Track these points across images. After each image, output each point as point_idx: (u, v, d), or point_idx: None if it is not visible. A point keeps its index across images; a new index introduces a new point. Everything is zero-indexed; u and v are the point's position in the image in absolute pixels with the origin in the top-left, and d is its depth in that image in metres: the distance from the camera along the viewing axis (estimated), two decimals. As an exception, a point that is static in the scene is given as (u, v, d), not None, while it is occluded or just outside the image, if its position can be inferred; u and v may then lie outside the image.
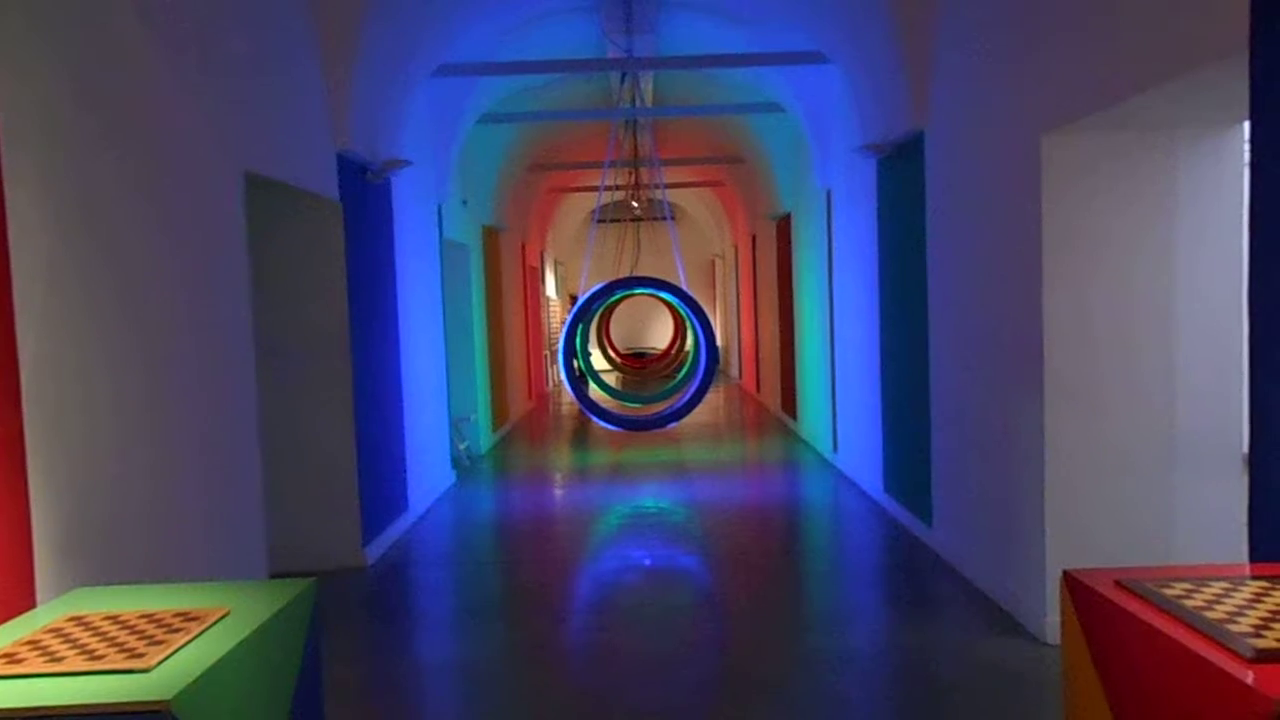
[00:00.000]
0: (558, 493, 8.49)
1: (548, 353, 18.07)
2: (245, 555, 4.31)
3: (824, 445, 9.51)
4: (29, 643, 2.16)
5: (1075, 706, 2.27)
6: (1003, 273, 4.60)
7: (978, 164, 4.97)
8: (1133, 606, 2.02)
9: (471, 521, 7.34)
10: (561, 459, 10.43)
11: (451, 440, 8.99)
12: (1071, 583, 2.26)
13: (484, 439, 10.61)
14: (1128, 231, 4.08)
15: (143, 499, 3.37)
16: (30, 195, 2.77)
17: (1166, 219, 4.06)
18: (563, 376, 8.46)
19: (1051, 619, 4.09)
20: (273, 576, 4.65)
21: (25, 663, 2.03)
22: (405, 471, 6.99)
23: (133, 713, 1.83)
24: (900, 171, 6.40)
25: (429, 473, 7.79)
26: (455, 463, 9.17)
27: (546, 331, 17.96)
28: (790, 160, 10.81)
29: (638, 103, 9.68)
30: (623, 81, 9.27)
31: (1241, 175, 3.94)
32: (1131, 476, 4.10)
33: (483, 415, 10.60)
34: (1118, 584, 2.16)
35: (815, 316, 9.73)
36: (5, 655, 2.08)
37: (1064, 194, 4.09)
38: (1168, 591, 2.06)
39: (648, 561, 5.89)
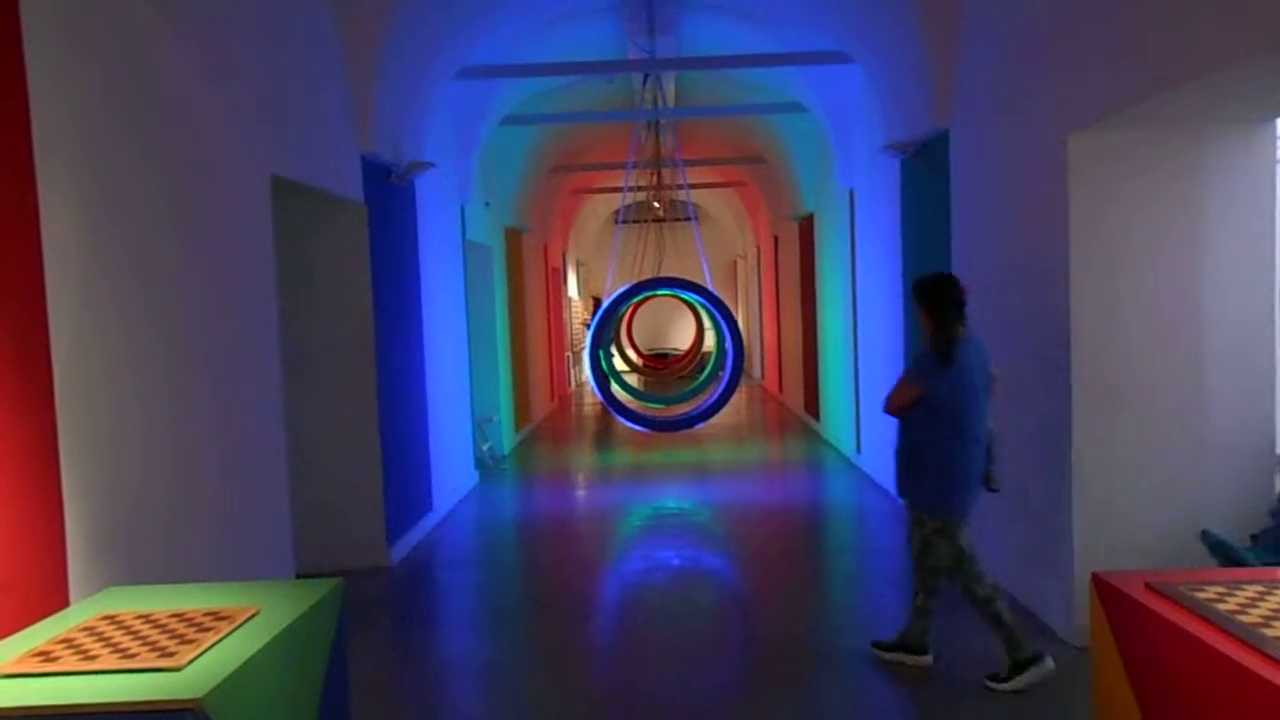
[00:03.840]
0: (580, 493, 8.50)
1: (570, 354, 18.11)
2: (271, 555, 4.35)
3: (847, 446, 9.46)
4: (63, 641, 2.20)
5: (1105, 710, 2.24)
6: (1029, 272, 4.56)
7: (1004, 163, 4.92)
8: (1164, 610, 2.00)
9: (495, 521, 7.36)
10: (584, 459, 10.44)
11: (475, 441, 9.02)
12: (1101, 585, 2.24)
13: (507, 440, 10.65)
14: (1156, 230, 4.03)
15: (170, 500, 3.41)
16: (63, 200, 2.82)
17: (1196, 217, 4.01)
18: (589, 378, 8.45)
19: (1080, 622, 4.05)
20: (298, 576, 4.69)
21: (60, 661, 2.06)
22: (429, 472, 7.03)
23: (165, 711, 1.85)
24: (924, 171, 6.35)
25: (453, 473, 7.83)
26: (479, 463, 9.21)
27: (569, 332, 17.99)
28: (813, 160, 10.76)
29: (660, 104, 9.67)
30: (645, 83, 9.26)
31: (1273, 172, 3.89)
32: (1161, 477, 4.05)
33: (505, 416, 10.64)
34: (1148, 587, 2.14)
35: (838, 317, 9.68)
36: (40, 653, 2.11)
37: (1091, 193, 4.04)
38: (1200, 595, 2.04)
39: (672, 561, 5.88)
